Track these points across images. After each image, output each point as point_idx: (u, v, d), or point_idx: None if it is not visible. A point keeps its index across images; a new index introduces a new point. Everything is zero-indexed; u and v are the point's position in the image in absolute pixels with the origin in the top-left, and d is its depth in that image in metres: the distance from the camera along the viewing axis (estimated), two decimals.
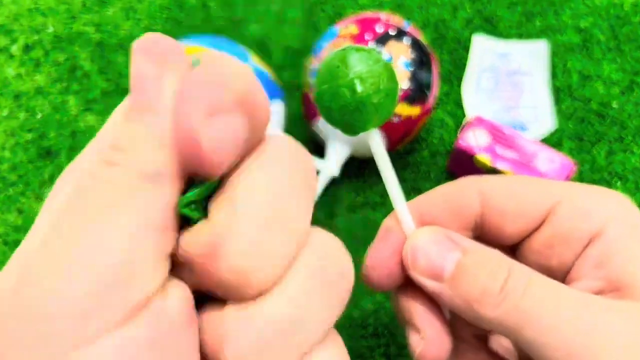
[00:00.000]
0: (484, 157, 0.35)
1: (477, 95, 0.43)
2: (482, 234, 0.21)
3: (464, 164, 0.37)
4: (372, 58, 0.19)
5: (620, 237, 0.19)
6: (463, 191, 0.21)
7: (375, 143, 0.20)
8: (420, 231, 0.20)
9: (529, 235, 0.21)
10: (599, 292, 0.19)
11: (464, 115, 0.42)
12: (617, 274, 0.19)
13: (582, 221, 0.19)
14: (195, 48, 0.34)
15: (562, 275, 0.20)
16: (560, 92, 0.43)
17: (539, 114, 0.42)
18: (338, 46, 0.34)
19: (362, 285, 0.37)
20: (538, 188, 0.20)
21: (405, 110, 0.34)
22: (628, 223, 0.19)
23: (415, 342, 0.21)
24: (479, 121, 0.37)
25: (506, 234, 0.21)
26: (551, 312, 0.17)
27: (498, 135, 0.36)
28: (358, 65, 0.19)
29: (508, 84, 0.43)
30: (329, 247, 0.15)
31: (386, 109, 0.19)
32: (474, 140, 0.36)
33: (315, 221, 0.40)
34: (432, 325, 0.20)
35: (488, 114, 0.42)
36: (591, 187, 0.20)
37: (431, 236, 0.20)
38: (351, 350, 0.34)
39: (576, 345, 0.17)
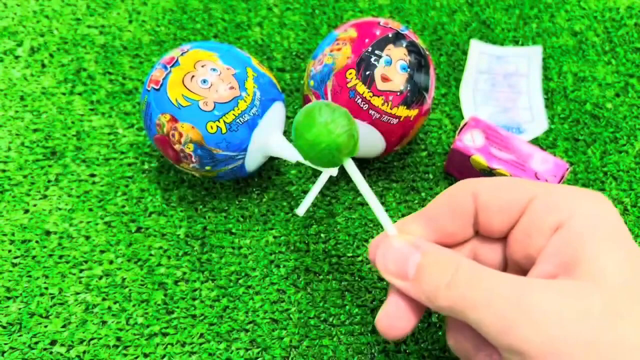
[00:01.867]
0: (480, 158, 0.36)
1: (474, 96, 0.44)
2: (480, 230, 0.25)
3: (461, 165, 0.38)
4: (335, 111, 0.25)
5: (580, 228, 0.21)
6: (459, 194, 0.24)
7: (351, 169, 0.26)
8: (391, 240, 0.24)
9: (513, 227, 0.23)
10: (552, 276, 0.21)
11: (461, 117, 0.43)
12: (570, 259, 0.21)
13: (550, 213, 0.22)
14: (201, 53, 0.34)
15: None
16: (555, 94, 0.44)
17: (535, 115, 0.42)
18: (337, 49, 0.35)
19: (361, 282, 0.38)
20: (518, 187, 0.23)
21: (403, 112, 0.35)
22: (593, 216, 0.21)
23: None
24: (476, 122, 0.37)
25: (494, 227, 0.24)
26: (488, 295, 0.20)
27: (493, 136, 0.37)
28: (325, 118, 0.25)
29: (505, 86, 0.44)
30: None
31: (354, 146, 0.25)
32: (470, 141, 0.37)
33: (316, 221, 0.41)
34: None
35: (485, 115, 0.43)
36: (567, 186, 0.23)
37: (399, 244, 0.24)
38: (351, 347, 0.35)
39: (507, 319, 0.20)
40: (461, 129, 0.37)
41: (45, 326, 0.34)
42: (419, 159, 0.41)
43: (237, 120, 0.33)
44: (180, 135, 0.33)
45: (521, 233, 0.23)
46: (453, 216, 0.24)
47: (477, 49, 0.46)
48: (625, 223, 0.33)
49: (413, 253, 0.23)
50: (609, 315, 0.19)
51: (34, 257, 0.37)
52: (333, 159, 0.25)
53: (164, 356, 0.33)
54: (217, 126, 0.33)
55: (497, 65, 0.45)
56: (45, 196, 0.39)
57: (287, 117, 0.43)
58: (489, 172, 0.36)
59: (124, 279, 0.36)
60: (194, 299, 0.35)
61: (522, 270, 0.24)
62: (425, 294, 0.22)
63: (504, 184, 0.23)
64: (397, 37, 0.35)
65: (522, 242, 0.23)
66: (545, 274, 0.21)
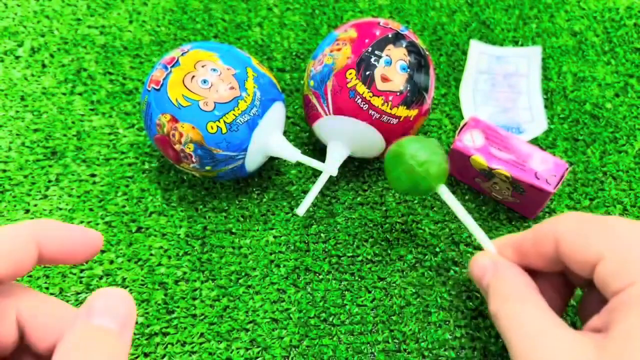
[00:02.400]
0: (479, 158, 0.36)
1: (474, 97, 0.44)
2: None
3: (460, 165, 0.38)
4: (426, 147, 0.31)
5: (636, 298, 0.23)
6: (543, 238, 0.28)
7: (445, 195, 0.31)
8: (481, 256, 0.31)
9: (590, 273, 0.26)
10: (597, 330, 0.24)
11: (461, 117, 0.43)
12: (613, 320, 0.23)
13: (613, 281, 0.24)
14: (201, 53, 0.34)
15: None
16: (555, 94, 0.44)
17: (534, 115, 0.42)
18: (337, 49, 0.35)
19: (361, 282, 0.38)
20: (590, 245, 0.26)
21: (403, 112, 0.35)
22: None
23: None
24: (476, 122, 0.37)
25: (573, 273, 0.28)
26: (518, 340, 0.25)
27: (493, 136, 0.37)
28: (418, 156, 0.30)
29: (505, 86, 0.44)
30: None
31: (444, 176, 0.31)
32: (470, 141, 0.37)
33: (316, 221, 0.41)
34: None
35: (485, 115, 0.43)
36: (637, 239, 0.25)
37: (484, 260, 0.30)
38: (350, 347, 0.35)
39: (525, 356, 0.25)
40: (461, 129, 0.37)
41: None
42: None
43: (238, 121, 0.33)
44: (181, 135, 0.33)
45: (596, 282, 0.26)
46: (537, 254, 0.28)
47: (477, 49, 0.46)
48: None
49: (488, 272, 0.29)
50: None
51: None
52: (426, 193, 0.32)
53: (164, 356, 0.34)
54: (218, 126, 0.33)
55: (496, 65, 0.45)
56: (45, 196, 0.39)
57: (287, 117, 0.43)
58: (489, 172, 0.36)
59: (124, 279, 0.36)
60: (194, 299, 0.36)
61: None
62: (489, 306, 0.28)
63: (580, 238, 0.26)
64: (397, 38, 0.35)
65: (599, 287, 0.26)
66: (593, 327, 0.25)
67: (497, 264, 0.29)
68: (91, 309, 0.21)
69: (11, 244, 0.22)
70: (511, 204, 0.38)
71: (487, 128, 0.37)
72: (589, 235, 0.26)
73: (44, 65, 0.46)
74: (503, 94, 0.44)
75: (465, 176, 0.39)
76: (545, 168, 0.35)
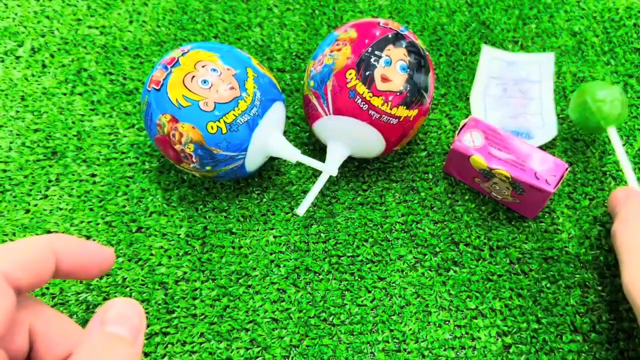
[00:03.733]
0: (479, 158, 0.36)
1: (484, 101, 0.43)
2: None
3: (460, 165, 0.38)
4: (608, 89, 0.36)
5: None
6: None
7: (613, 137, 0.36)
8: (619, 189, 0.34)
9: None
10: None
11: (460, 117, 0.43)
12: None
13: None
14: (201, 53, 0.34)
15: None
16: (555, 94, 0.44)
17: (545, 119, 0.42)
18: (337, 50, 0.35)
19: (361, 282, 0.38)
20: None
21: (402, 112, 0.35)
22: None
23: None
24: (475, 122, 0.37)
25: None
26: (629, 250, 0.30)
27: (492, 136, 0.37)
28: (596, 94, 0.36)
29: (517, 91, 0.44)
30: None
31: (615, 119, 0.36)
32: (470, 141, 0.37)
33: (316, 221, 0.41)
34: None
35: (494, 120, 0.42)
36: None
37: (620, 192, 0.33)
38: (351, 346, 0.35)
39: None
40: (460, 129, 0.37)
41: None
42: (419, 159, 0.41)
43: (238, 121, 0.33)
44: (181, 135, 0.33)
45: None
46: None
47: (489, 54, 0.46)
48: None
49: (621, 201, 0.33)
50: None
51: None
52: (595, 131, 0.37)
53: (164, 355, 0.34)
54: (218, 126, 0.33)
55: (508, 71, 0.45)
56: (46, 196, 0.40)
57: (287, 117, 0.43)
58: (489, 173, 0.36)
59: (124, 279, 0.36)
60: (194, 299, 0.36)
61: None
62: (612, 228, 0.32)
63: None
64: (397, 38, 0.35)
65: None
66: None
67: (630, 195, 0.33)
68: (105, 318, 0.21)
69: (32, 255, 0.22)
70: (511, 204, 0.38)
71: (486, 128, 0.37)
72: None
73: (44, 66, 0.46)
74: (514, 100, 0.44)
75: (465, 176, 0.39)
76: (545, 168, 0.35)
